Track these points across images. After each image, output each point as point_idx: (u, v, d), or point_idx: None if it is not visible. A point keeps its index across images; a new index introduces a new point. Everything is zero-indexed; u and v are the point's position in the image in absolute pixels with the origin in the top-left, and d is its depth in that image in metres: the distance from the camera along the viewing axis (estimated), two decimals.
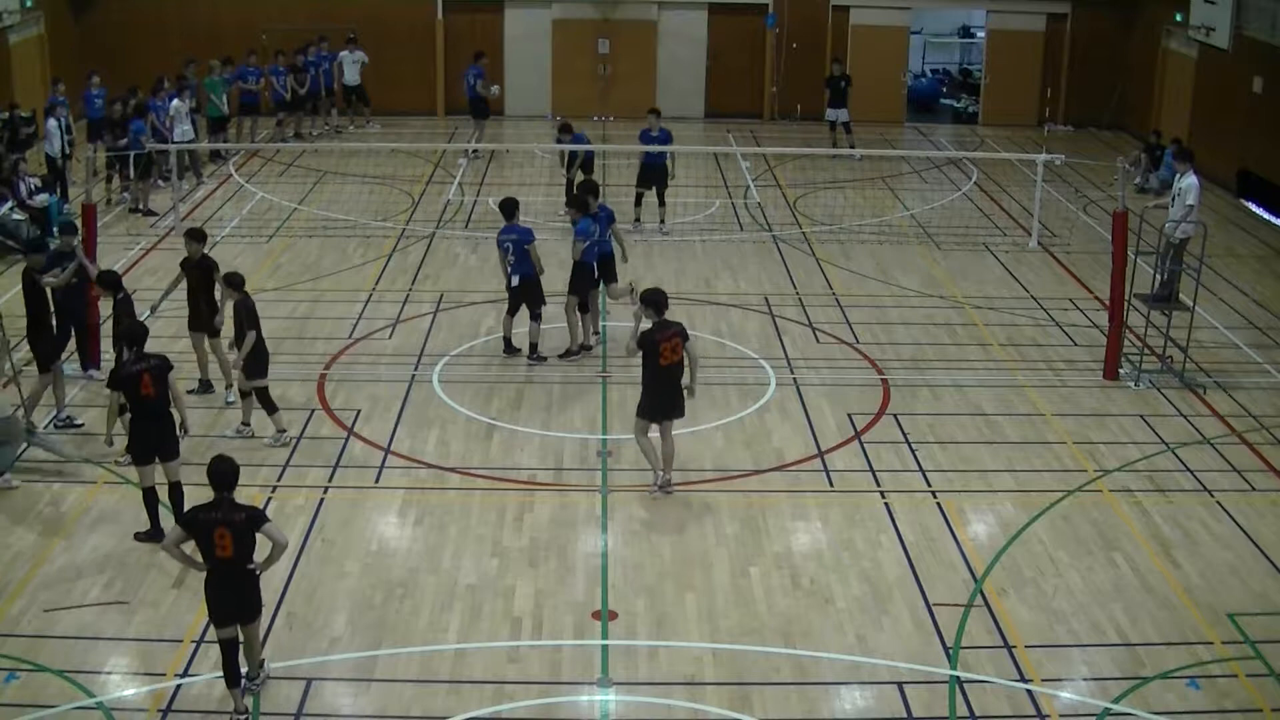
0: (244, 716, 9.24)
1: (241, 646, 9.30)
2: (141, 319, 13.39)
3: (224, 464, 9.23)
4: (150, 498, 11.51)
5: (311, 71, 27.13)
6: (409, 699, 9.57)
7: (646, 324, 12.43)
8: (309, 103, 27.38)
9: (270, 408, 13.39)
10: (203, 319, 14.26)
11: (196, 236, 14.43)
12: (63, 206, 21.20)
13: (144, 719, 9.25)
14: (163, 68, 25.17)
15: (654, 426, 12.50)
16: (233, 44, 27.19)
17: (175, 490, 11.50)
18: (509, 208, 15.70)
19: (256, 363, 13.26)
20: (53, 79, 24.35)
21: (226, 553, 8.96)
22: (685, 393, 12.45)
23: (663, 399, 12.38)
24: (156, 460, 11.40)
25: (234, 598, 9.13)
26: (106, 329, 14.77)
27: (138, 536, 11.54)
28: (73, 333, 14.66)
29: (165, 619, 10.42)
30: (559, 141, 21.53)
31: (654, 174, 20.99)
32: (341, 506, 12.24)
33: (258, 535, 9.05)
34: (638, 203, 21.03)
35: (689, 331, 12.75)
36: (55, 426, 13.65)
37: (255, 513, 9.18)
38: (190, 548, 9.20)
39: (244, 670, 9.39)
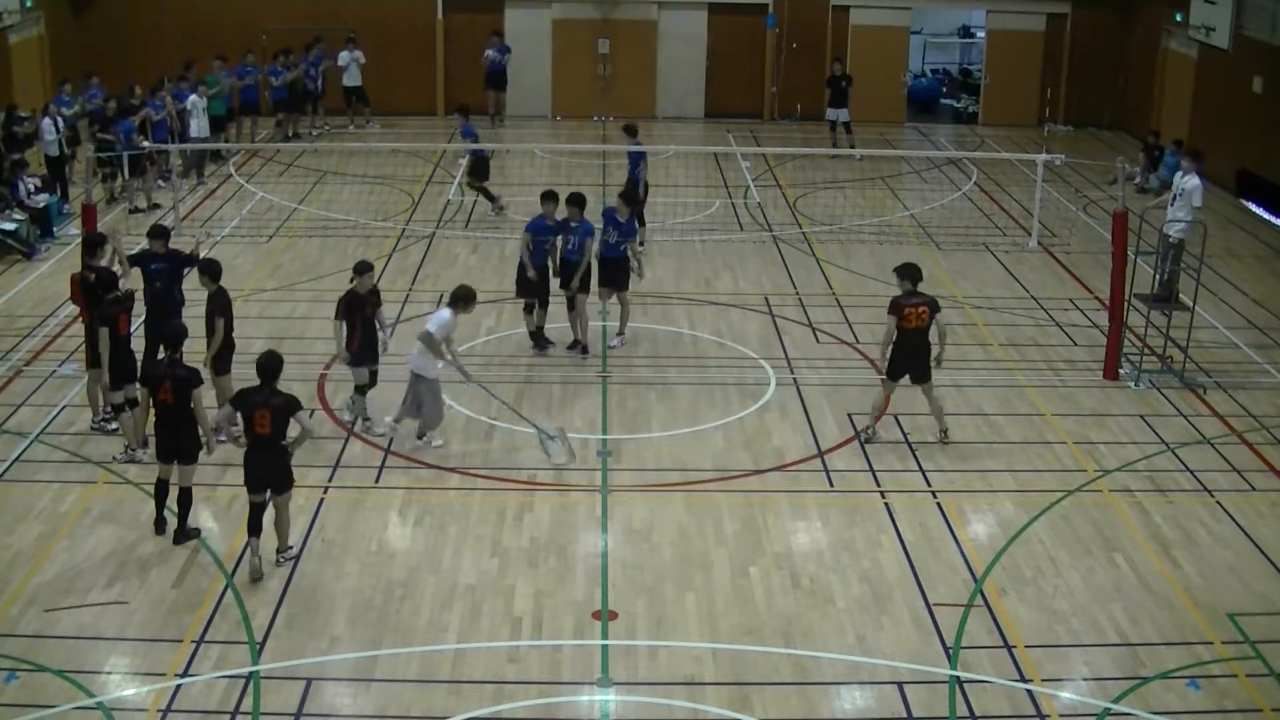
0: (258, 559, 10.94)
1: (275, 520, 11.06)
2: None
3: (271, 359, 11.10)
4: (160, 490, 11.70)
5: (312, 72, 27.17)
6: (409, 699, 9.58)
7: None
8: (307, 103, 27.40)
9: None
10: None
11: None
12: (62, 206, 21.23)
13: (144, 719, 9.25)
14: (163, 68, 25.22)
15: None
16: (232, 44, 27.21)
17: (183, 495, 11.54)
18: (577, 200, 15.84)
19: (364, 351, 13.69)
20: (60, 79, 24.34)
21: (265, 430, 10.83)
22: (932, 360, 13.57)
23: (907, 359, 13.57)
24: (175, 462, 11.57)
25: (267, 469, 10.93)
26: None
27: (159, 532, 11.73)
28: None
29: (165, 619, 10.42)
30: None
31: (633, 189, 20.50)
32: (341, 506, 12.24)
33: (291, 419, 10.91)
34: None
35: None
36: (91, 428, 13.61)
37: (292, 400, 11.01)
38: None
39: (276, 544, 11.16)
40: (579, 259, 15.65)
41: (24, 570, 11.04)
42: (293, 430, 11.11)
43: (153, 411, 11.79)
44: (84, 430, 13.61)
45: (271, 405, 10.87)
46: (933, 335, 13.43)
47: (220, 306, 13.16)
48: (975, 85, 31.91)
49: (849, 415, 14.39)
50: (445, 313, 13.36)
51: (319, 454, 13.26)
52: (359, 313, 13.50)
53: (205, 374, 12.49)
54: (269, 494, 11.08)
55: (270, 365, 11.05)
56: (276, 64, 26.79)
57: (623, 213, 15.98)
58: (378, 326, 13.74)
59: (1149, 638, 10.47)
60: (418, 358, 13.27)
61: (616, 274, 16.05)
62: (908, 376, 13.59)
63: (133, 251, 14.56)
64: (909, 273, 13.54)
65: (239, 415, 11.07)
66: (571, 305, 15.87)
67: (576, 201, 15.85)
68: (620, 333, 16.30)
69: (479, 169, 21.68)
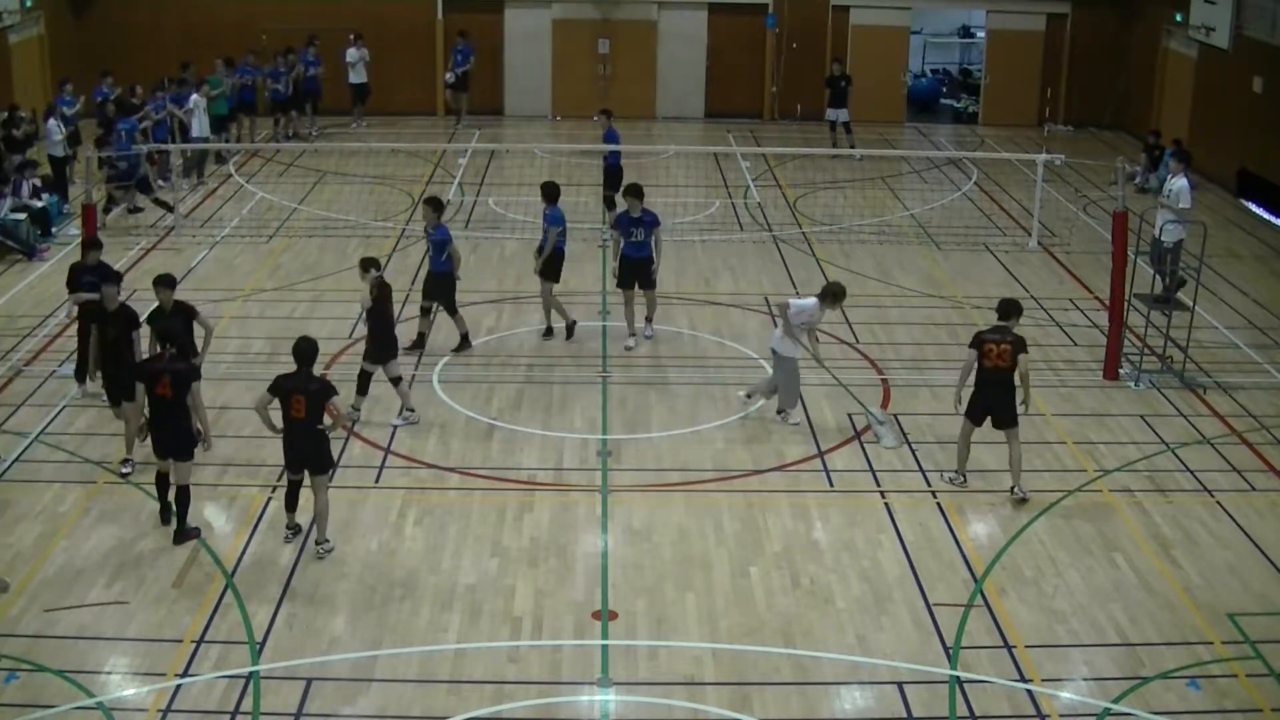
0: (293, 530, 11.54)
1: (314, 507, 11.37)
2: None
3: (306, 343, 11.35)
4: (161, 482, 11.78)
5: (311, 72, 27.18)
6: (409, 699, 9.58)
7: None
8: (306, 103, 27.40)
9: (362, 390, 13.95)
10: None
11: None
12: (62, 206, 21.23)
13: (144, 719, 9.25)
14: (163, 68, 25.21)
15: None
16: (232, 44, 27.20)
17: (181, 493, 11.58)
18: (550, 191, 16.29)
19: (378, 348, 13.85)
20: (60, 80, 24.31)
21: (300, 414, 11.12)
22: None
23: (986, 399, 12.62)
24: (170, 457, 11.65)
25: (304, 450, 11.23)
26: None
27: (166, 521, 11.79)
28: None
29: (165, 619, 10.43)
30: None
31: (611, 176, 20.76)
32: (341, 506, 12.22)
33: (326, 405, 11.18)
34: (609, 206, 20.83)
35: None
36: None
37: (327, 385, 11.35)
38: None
39: (314, 535, 11.47)
40: (558, 248, 16.12)
41: (24, 570, 11.04)
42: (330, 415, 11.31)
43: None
44: (84, 430, 13.61)
45: (308, 390, 11.14)
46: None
47: (191, 309, 13.15)
48: (975, 85, 31.91)
49: (849, 415, 14.39)
50: (811, 300, 13.84)
51: None
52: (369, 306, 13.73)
53: None
54: (306, 474, 11.38)
55: (306, 350, 11.29)
56: (278, 64, 26.78)
57: (635, 208, 15.88)
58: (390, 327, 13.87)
59: (1149, 638, 10.47)
60: (778, 337, 13.85)
61: (643, 272, 16.02)
62: (989, 419, 12.61)
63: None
64: (1006, 309, 12.70)
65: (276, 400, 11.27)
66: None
67: (544, 193, 16.20)
68: (648, 322, 16.42)
69: (141, 183, 21.55)
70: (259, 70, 26.49)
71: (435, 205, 15.65)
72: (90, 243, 14.32)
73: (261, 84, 26.72)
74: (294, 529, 11.62)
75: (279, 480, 12.71)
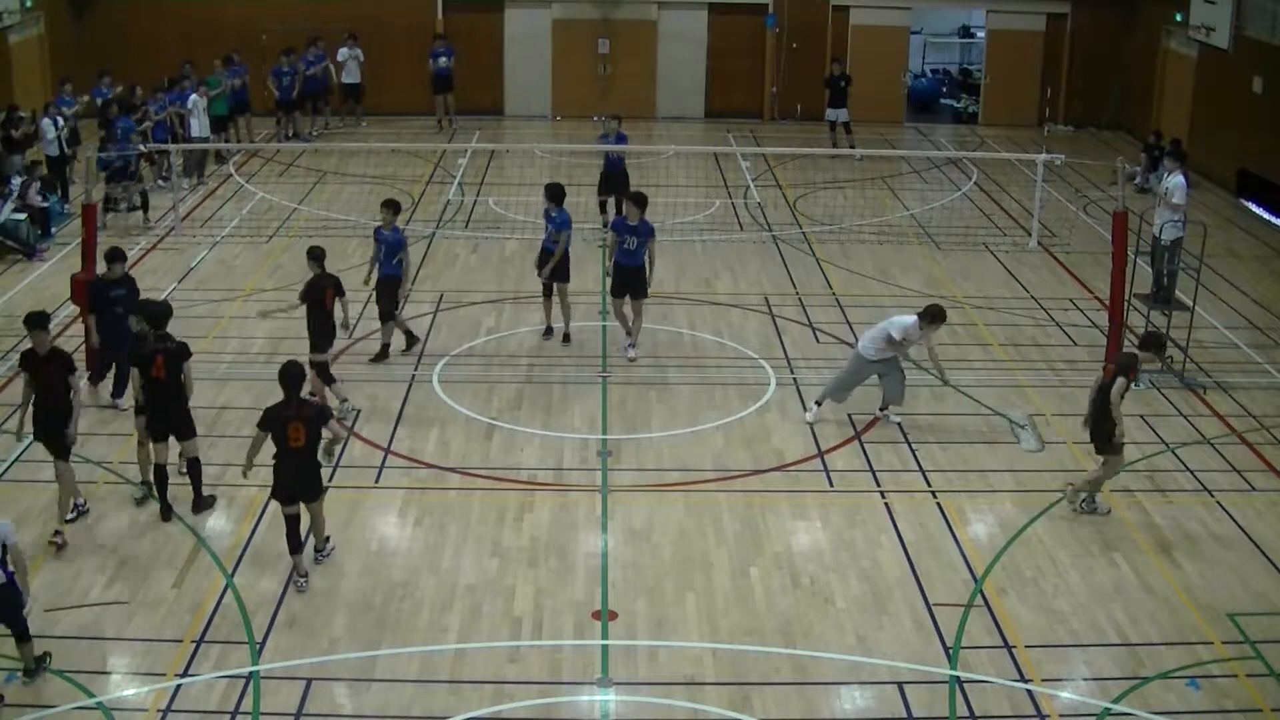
0: (304, 579, 10.84)
1: (311, 525, 11.02)
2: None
3: (294, 367, 10.74)
4: (160, 475, 11.77)
5: (312, 71, 27.17)
6: (409, 699, 9.58)
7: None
8: (307, 103, 27.40)
9: (327, 380, 14.04)
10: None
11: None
12: (62, 206, 21.22)
13: (144, 719, 9.25)
14: (163, 68, 25.20)
15: None
16: (232, 44, 27.18)
17: (192, 466, 11.75)
18: (555, 192, 16.14)
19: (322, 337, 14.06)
20: (60, 79, 24.29)
21: (300, 443, 10.51)
22: None
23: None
24: (170, 439, 11.68)
25: (300, 480, 10.69)
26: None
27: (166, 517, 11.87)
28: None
29: (165, 619, 10.43)
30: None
31: (615, 181, 20.47)
32: (341, 506, 12.22)
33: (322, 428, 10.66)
34: (603, 209, 20.69)
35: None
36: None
37: (323, 408, 11.04)
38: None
39: (313, 544, 11.18)
40: (553, 249, 15.87)
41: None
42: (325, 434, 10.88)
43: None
44: (85, 430, 13.55)
45: (304, 416, 10.58)
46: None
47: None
48: (975, 85, 31.90)
49: (849, 415, 14.39)
50: (911, 319, 13.78)
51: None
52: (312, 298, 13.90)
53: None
54: (300, 505, 10.88)
55: (298, 375, 10.76)
56: (282, 63, 26.76)
57: (633, 216, 15.56)
58: (335, 316, 14.08)
59: (1149, 638, 10.47)
60: (872, 349, 13.92)
61: (636, 282, 15.68)
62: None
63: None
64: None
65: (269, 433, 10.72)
66: (548, 293, 16.16)
67: (553, 195, 16.00)
68: (633, 344, 15.95)
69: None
70: (245, 69, 26.36)
71: (394, 208, 15.60)
72: (114, 255, 13.82)
73: (260, 84, 26.66)
74: (304, 576, 10.93)
75: None
